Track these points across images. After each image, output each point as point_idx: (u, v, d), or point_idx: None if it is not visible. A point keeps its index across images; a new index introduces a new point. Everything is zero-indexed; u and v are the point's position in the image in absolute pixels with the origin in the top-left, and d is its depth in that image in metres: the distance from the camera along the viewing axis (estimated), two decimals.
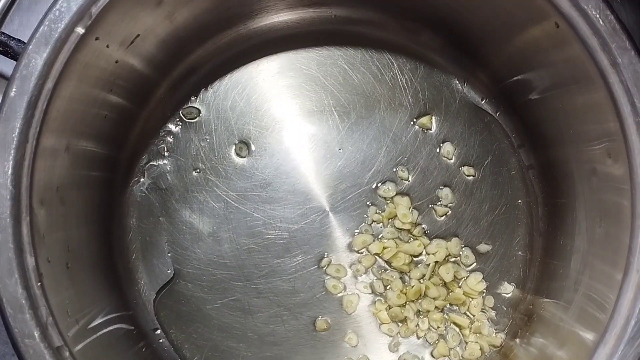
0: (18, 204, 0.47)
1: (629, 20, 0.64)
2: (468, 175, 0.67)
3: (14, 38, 0.57)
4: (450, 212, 0.66)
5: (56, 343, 0.46)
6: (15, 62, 0.49)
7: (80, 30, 0.49)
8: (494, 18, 0.58)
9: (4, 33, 0.56)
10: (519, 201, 0.66)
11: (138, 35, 0.57)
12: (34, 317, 0.46)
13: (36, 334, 0.46)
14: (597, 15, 0.49)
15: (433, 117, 0.67)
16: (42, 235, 0.49)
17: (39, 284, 0.46)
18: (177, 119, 0.67)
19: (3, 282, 0.45)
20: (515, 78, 0.63)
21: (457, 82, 0.68)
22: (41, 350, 0.46)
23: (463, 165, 0.67)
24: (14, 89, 0.47)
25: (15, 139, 0.47)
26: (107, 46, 0.53)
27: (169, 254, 0.65)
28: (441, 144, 0.67)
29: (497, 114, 0.67)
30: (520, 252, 0.66)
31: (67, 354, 0.46)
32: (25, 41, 0.49)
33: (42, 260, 0.48)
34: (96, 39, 0.51)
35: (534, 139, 0.65)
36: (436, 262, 0.65)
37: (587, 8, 0.49)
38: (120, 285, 0.63)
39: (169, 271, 0.65)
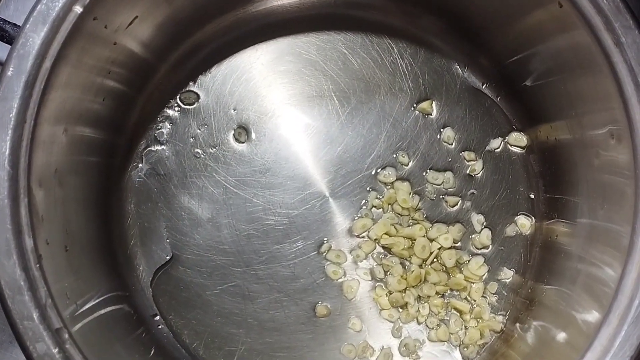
0: (16, 185, 0.46)
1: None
2: (469, 160, 0.66)
3: (9, 22, 0.56)
4: (460, 200, 0.65)
5: (55, 325, 0.46)
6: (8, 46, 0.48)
7: (78, 9, 0.48)
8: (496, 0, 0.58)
9: None
10: (520, 187, 0.66)
11: (136, 16, 0.56)
12: (32, 298, 0.45)
13: (35, 315, 0.45)
14: None
15: (433, 102, 0.67)
16: (40, 217, 0.48)
17: (37, 265, 0.46)
18: (176, 104, 0.66)
19: (1, 263, 0.45)
20: (517, 61, 0.62)
21: (458, 66, 0.67)
22: (40, 332, 0.45)
23: (464, 151, 0.66)
24: (11, 69, 0.46)
25: (12, 119, 0.46)
26: (105, 27, 0.53)
27: (168, 240, 0.64)
28: (442, 129, 0.66)
29: (498, 98, 0.67)
30: (520, 238, 0.66)
31: (67, 336, 0.46)
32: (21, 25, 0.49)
33: (41, 242, 0.47)
34: (94, 19, 0.50)
35: (536, 124, 0.65)
36: (440, 247, 0.64)
37: None
38: (119, 271, 0.63)
39: (167, 257, 0.64)
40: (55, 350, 0.45)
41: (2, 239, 0.45)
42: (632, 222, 0.49)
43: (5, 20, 0.55)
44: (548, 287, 0.62)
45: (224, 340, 0.63)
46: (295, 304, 0.64)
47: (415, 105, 0.67)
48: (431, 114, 0.67)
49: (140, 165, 0.65)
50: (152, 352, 0.60)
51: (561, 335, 0.54)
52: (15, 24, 0.55)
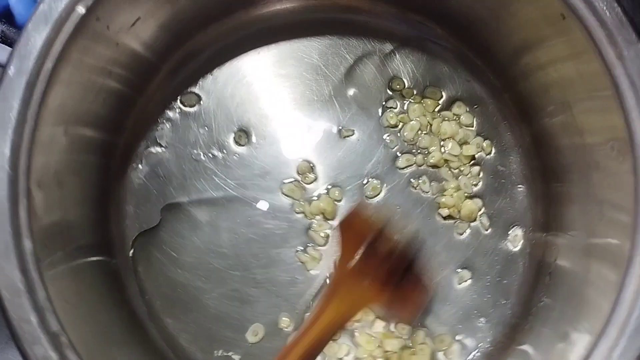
0: (16, 186, 0.46)
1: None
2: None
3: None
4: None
5: (53, 328, 0.45)
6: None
7: (81, 9, 0.48)
8: (500, 9, 0.58)
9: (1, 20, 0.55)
10: (517, 197, 0.66)
11: (139, 17, 0.56)
12: (31, 301, 0.45)
13: (33, 318, 0.45)
14: (604, 7, 0.49)
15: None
16: (39, 218, 0.48)
17: (36, 268, 0.45)
18: (176, 106, 0.66)
19: (0, 265, 0.44)
20: (519, 70, 0.62)
21: (460, 73, 0.67)
22: (38, 335, 0.45)
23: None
24: (12, 69, 0.46)
25: (13, 119, 0.46)
26: (108, 28, 0.52)
27: (167, 243, 0.64)
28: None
29: (501, 106, 0.67)
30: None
31: (65, 339, 0.45)
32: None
33: (40, 244, 0.47)
34: (97, 20, 0.50)
35: (537, 134, 0.65)
36: None
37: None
38: (117, 272, 0.62)
39: (165, 260, 0.64)
40: (54, 354, 0.45)
41: (1, 241, 0.45)
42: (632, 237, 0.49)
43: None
44: (545, 300, 0.62)
45: (221, 343, 0.63)
46: (294, 308, 0.64)
47: None
48: None
49: (139, 166, 0.65)
50: (149, 355, 0.60)
51: (559, 346, 0.54)
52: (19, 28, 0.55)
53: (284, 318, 0.63)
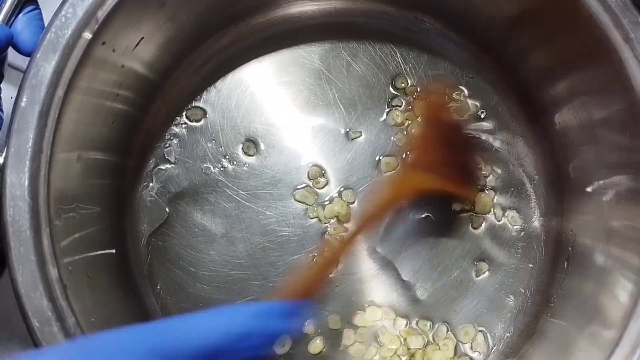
0: (37, 215, 0.46)
1: None
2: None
3: None
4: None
5: None
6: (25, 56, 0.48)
7: (87, 35, 0.48)
8: (504, 2, 0.58)
9: None
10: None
11: (142, 38, 0.56)
12: (61, 329, 0.45)
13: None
14: None
15: None
16: (62, 245, 0.48)
17: (64, 295, 0.45)
18: (182, 122, 0.66)
19: (28, 295, 0.45)
20: (523, 63, 0.63)
21: (463, 68, 0.67)
22: None
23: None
24: (24, 99, 0.46)
25: (30, 149, 0.46)
26: (114, 50, 0.53)
27: (183, 258, 0.64)
28: None
29: (505, 99, 0.67)
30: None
31: None
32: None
33: (65, 270, 0.47)
34: (103, 44, 0.50)
35: (543, 124, 0.65)
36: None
37: None
38: (137, 290, 0.63)
39: (184, 274, 0.64)
40: None
41: (27, 271, 0.45)
42: None
43: None
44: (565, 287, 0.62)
45: None
46: (316, 313, 0.64)
47: None
48: None
49: (150, 184, 0.65)
50: None
51: (585, 332, 0.54)
52: None
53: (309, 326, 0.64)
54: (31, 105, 0.46)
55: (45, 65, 0.47)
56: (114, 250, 0.59)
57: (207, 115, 0.66)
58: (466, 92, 0.67)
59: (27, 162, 0.46)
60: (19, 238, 0.45)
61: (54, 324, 0.45)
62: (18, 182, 0.45)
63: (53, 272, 0.46)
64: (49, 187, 0.47)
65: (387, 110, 0.67)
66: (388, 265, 0.65)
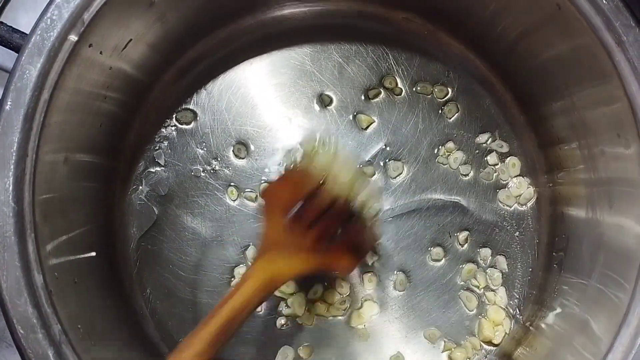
0: (22, 221, 0.45)
1: None
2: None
3: (15, 30, 0.54)
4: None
5: None
6: (15, 54, 0.47)
7: (73, 37, 0.48)
8: (492, 2, 0.58)
9: (3, 23, 0.53)
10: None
11: (130, 39, 0.55)
12: (46, 336, 0.44)
13: (50, 353, 0.44)
14: None
15: None
16: (47, 251, 0.47)
17: (49, 301, 0.45)
18: (172, 124, 0.66)
19: (12, 302, 0.44)
20: (516, 65, 0.62)
21: (456, 69, 0.67)
22: None
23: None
24: (9, 102, 0.46)
25: (14, 153, 0.45)
26: (101, 52, 0.52)
27: (173, 262, 0.64)
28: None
29: (497, 100, 0.67)
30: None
31: None
32: (27, 33, 0.48)
33: (50, 276, 0.46)
34: (89, 46, 0.50)
35: (536, 124, 0.65)
36: None
37: None
38: (126, 297, 0.62)
39: (173, 279, 0.63)
40: None
41: (12, 277, 0.44)
42: None
43: (10, 27, 0.54)
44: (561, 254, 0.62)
45: (236, 358, 0.63)
46: None
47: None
48: None
49: (140, 187, 0.65)
50: None
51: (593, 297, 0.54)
52: (22, 32, 0.54)
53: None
54: (16, 108, 0.46)
55: (31, 68, 0.46)
56: (101, 255, 0.58)
57: (198, 118, 0.66)
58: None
59: (12, 167, 0.45)
60: (3, 244, 0.45)
61: (39, 331, 0.44)
62: (2, 186, 0.45)
63: (38, 278, 0.45)
64: (34, 191, 0.46)
65: (379, 110, 0.66)
66: None
